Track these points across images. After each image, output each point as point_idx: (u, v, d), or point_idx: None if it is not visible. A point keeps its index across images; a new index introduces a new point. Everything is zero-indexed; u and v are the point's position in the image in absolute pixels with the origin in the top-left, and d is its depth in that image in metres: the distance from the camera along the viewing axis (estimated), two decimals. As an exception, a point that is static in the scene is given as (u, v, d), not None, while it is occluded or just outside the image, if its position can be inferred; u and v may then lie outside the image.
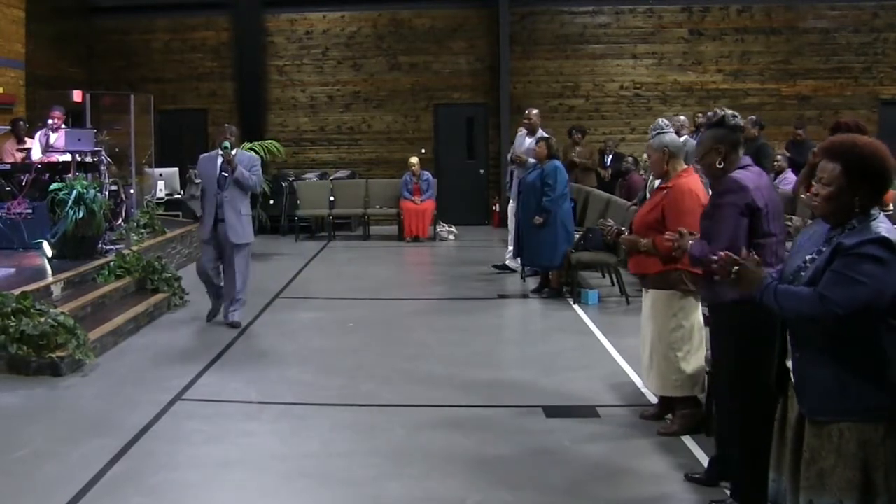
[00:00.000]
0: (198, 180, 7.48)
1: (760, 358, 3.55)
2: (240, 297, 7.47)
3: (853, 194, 2.59)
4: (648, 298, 4.84)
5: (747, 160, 3.72)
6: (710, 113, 3.76)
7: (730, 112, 3.73)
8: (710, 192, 3.86)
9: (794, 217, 9.07)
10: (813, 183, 2.71)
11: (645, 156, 11.76)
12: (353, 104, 15.60)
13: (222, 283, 7.57)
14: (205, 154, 7.60)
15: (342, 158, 15.66)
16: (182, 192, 12.39)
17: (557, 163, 8.80)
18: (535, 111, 10.07)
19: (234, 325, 7.44)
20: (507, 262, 10.24)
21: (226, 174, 7.21)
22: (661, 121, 4.96)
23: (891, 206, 6.51)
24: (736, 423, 3.72)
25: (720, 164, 3.69)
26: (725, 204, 3.56)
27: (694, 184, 4.63)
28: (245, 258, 7.47)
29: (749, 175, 3.64)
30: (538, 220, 8.58)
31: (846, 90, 14.93)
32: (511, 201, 10.20)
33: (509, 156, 10.13)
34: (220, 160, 7.26)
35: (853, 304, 2.47)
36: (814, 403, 2.60)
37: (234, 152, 7.26)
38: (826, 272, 2.55)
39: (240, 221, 7.29)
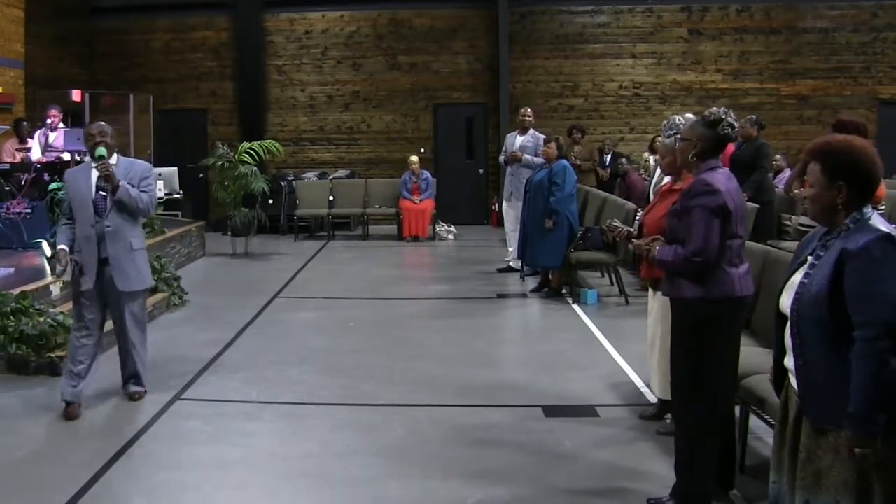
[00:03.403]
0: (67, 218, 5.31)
1: (719, 358, 3.57)
2: (139, 369, 5.54)
3: (833, 193, 2.59)
4: (658, 301, 4.67)
5: (715, 162, 3.72)
6: (713, 109, 3.76)
7: (728, 121, 3.69)
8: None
9: (792, 217, 9.08)
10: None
11: (646, 155, 11.88)
12: (352, 104, 15.60)
13: (88, 363, 5.29)
14: (72, 168, 5.57)
15: (341, 158, 15.68)
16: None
17: (566, 163, 8.77)
18: (530, 109, 10.22)
19: (134, 397, 5.48)
20: (510, 264, 10.23)
21: (105, 194, 5.19)
22: (677, 118, 4.78)
23: (882, 205, 6.48)
24: (689, 427, 3.68)
25: (693, 158, 3.72)
26: (698, 206, 3.55)
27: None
28: (139, 312, 5.45)
29: (719, 178, 3.63)
30: (549, 223, 8.53)
31: (845, 90, 14.94)
32: (505, 201, 10.23)
33: (502, 157, 10.16)
34: (94, 174, 5.22)
35: (888, 312, 2.41)
36: (820, 412, 2.56)
37: (113, 162, 5.21)
38: (848, 299, 2.49)
39: (131, 260, 5.26)
